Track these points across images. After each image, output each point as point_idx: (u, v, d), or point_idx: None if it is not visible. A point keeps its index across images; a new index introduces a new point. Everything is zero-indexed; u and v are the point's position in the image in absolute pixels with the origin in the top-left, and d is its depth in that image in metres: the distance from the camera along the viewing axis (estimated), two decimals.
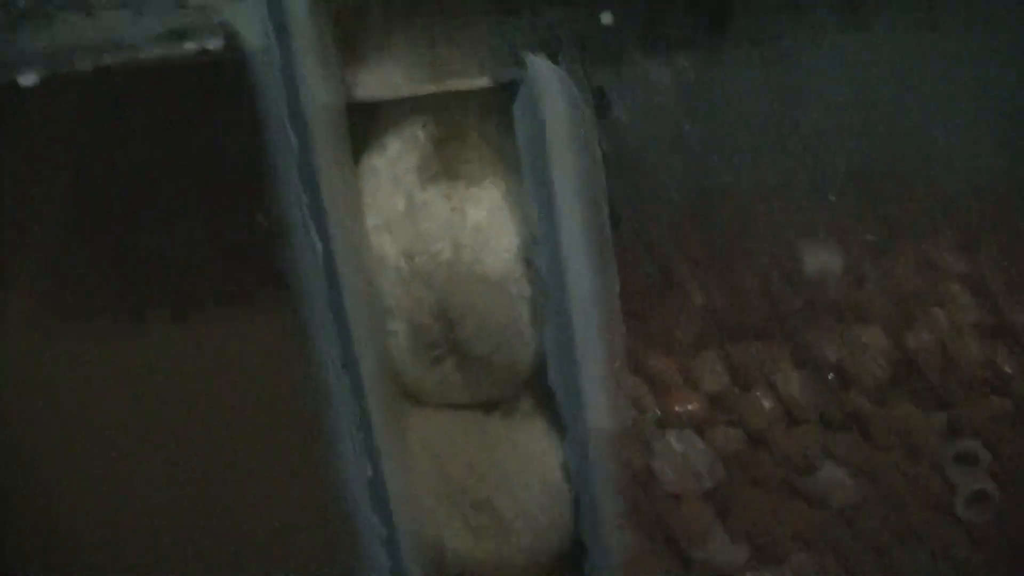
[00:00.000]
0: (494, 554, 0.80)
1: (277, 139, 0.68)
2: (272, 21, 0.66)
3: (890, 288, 0.76)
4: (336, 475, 0.77)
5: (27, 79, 0.67)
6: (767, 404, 0.76)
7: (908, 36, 0.71)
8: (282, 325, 0.75)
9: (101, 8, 0.66)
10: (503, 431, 0.80)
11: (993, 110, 0.73)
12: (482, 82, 0.70)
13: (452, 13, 0.69)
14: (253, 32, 0.66)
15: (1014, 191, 0.74)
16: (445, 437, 0.80)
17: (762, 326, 0.76)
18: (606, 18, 0.68)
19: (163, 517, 0.87)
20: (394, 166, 0.75)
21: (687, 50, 0.69)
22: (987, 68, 0.72)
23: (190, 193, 0.77)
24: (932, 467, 0.77)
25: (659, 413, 0.76)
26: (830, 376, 0.76)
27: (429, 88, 0.70)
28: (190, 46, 0.67)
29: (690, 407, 0.76)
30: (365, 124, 0.76)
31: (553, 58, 0.69)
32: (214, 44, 0.66)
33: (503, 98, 0.72)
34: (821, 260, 0.76)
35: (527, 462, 0.79)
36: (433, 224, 0.74)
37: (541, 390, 0.79)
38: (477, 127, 0.75)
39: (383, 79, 0.71)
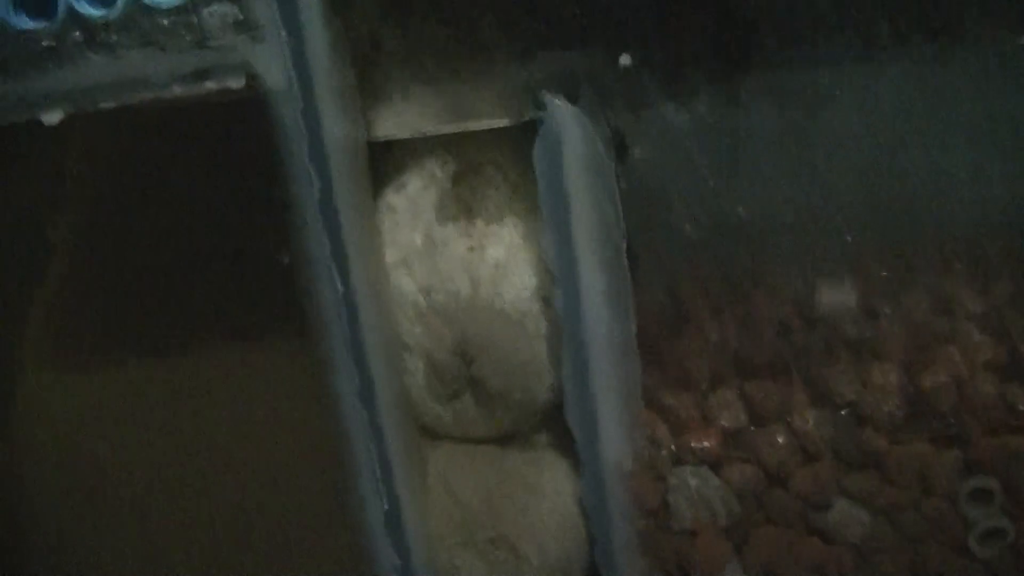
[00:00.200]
0: None
1: (298, 177, 0.68)
2: (293, 61, 0.66)
3: (905, 325, 0.76)
4: (353, 508, 0.76)
5: (51, 117, 0.67)
6: (782, 441, 0.76)
7: (923, 76, 0.70)
8: (301, 360, 0.74)
9: (124, 48, 0.66)
10: (519, 465, 0.80)
11: (1007, 148, 0.73)
12: (501, 122, 0.70)
13: (471, 54, 0.69)
14: (274, 72, 0.66)
15: None
16: (461, 471, 0.80)
17: (778, 363, 0.76)
18: (625, 60, 0.68)
19: (178, 550, 0.87)
20: (413, 203, 0.75)
21: (705, 92, 0.69)
22: (1001, 107, 0.72)
23: (211, 230, 0.77)
24: (947, 504, 0.76)
25: (675, 449, 0.76)
26: (845, 413, 0.76)
27: (448, 128, 0.70)
28: (211, 85, 0.67)
29: (706, 443, 0.76)
30: (383, 161, 0.76)
31: (572, 99, 0.69)
32: (235, 83, 0.66)
33: (521, 137, 0.71)
34: (836, 297, 0.76)
35: (543, 496, 0.79)
36: (451, 261, 0.74)
37: (557, 425, 0.78)
38: (496, 166, 0.75)
39: (403, 119, 0.71)
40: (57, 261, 0.84)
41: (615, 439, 0.75)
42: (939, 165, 0.72)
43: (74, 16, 0.63)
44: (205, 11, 0.64)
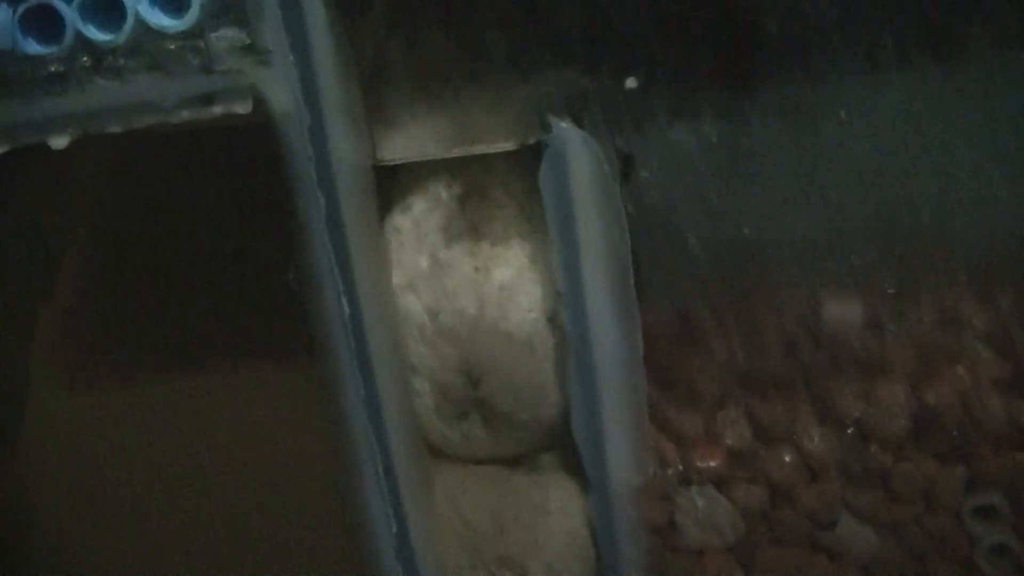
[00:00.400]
0: None
1: (306, 200, 0.68)
2: (301, 85, 0.66)
3: (911, 342, 0.76)
4: (362, 529, 0.76)
5: (58, 141, 0.66)
6: (788, 459, 0.75)
7: (928, 92, 0.70)
8: (309, 382, 0.74)
9: (131, 72, 0.65)
10: (527, 485, 0.79)
11: (1013, 163, 0.73)
12: (507, 146, 0.70)
13: (478, 77, 0.68)
14: (282, 96, 0.66)
15: None
16: (469, 491, 0.79)
17: (784, 381, 0.75)
18: (631, 82, 0.68)
19: (184, 565, 0.87)
20: (418, 225, 0.75)
21: (711, 112, 0.69)
22: (1007, 122, 0.72)
23: (219, 251, 0.77)
24: (953, 520, 0.76)
25: (682, 468, 0.76)
26: (851, 431, 0.75)
27: (455, 151, 0.70)
28: (218, 110, 0.66)
29: (712, 463, 0.75)
30: (390, 183, 0.76)
31: (578, 121, 0.68)
32: (243, 108, 0.66)
33: (527, 158, 0.71)
34: (842, 315, 0.75)
35: (550, 516, 0.78)
36: (458, 282, 0.74)
37: (565, 445, 0.78)
38: (501, 186, 0.75)
39: (409, 142, 0.70)
40: (66, 280, 0.84)
41: (622, 459, 0.74)
42: (945, 181, 0.72)
43: (82, 41, 0.63)
44: (212, 35, 0.64)
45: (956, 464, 0.75)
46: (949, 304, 0.76)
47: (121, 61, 0.64)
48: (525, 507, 0.78)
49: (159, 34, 0.63)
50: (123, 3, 0.61)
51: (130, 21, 0.62)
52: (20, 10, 0.61)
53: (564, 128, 0.68)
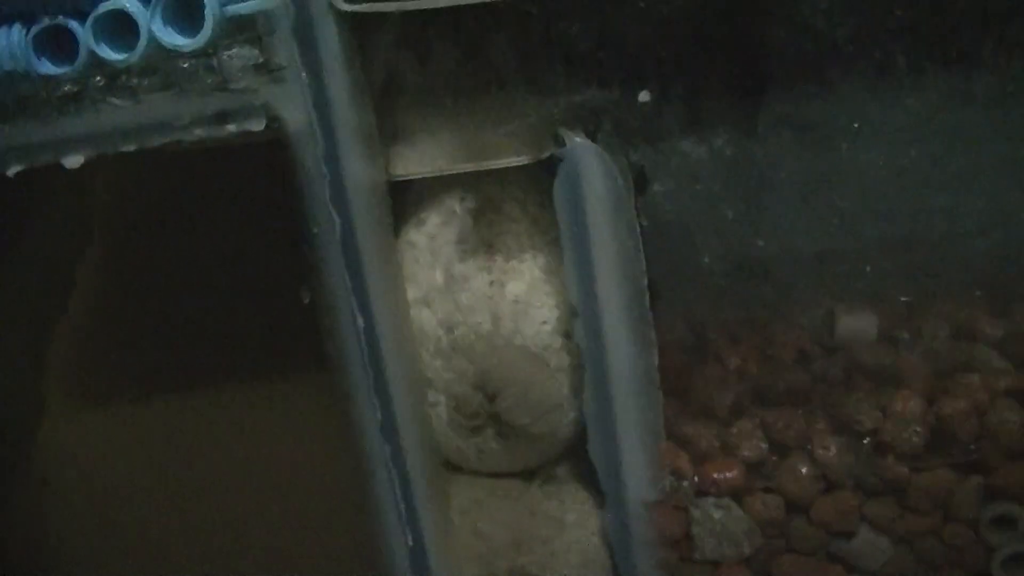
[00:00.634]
0: None
1: (320, 217, 0.67)
2: (314, 103, 0.65)
3: (925, 353, 0.75)
4: (378, 544, 0.75)
5: (72, 161, 0.66)
6: (804, 471, 0.75)
7: (940, 105, 0.70)
8: (324, 398, 0.74)
9: (145, 91, 0.65)
10: (542, 499, 0.79)
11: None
12: (521, 160, 0.69)
13: (490, 92, 0.68)
14: (295, 114, 0.65)
15: None
16: (485, 505, 0.79)
17: (799, 392, 0.75)
18: (643, 96, 0.67)
19: None
20: (432, 240, 0.74)
21: (724, 126, 0.68)
22: (1018, 134, 0.71)
23: (234, 269, 0.76)
24: (969, 530, 0.75)
25: (697, 481, 0.75)
26: (866, 442, 0.74)
27: (468, 166, 0.70)
28: (232, 128, 0.66)
29: (728, 474, 0.75)
30: (403, 198, 0.75)
31: (591, 136, 0.68)
32: (256, 126, 0.65)
33: (541, 172, 0.70)
34: (856, 326, 0.75)
35: (566, 530, 0.78)
36: (472, 297, 0.73)
37: (580, 458, 0.77)
38: (515, 201, 0.74)
39: (423, 157, 0.70)
40: (81, 299, 0.84)
41: (638, 472, 0.73)
42: (957, 192, 0.72)
43: (95, 61, 0.62)
44: (226, 54, 0.63)
45: (973, 474, 0.75)
46: (963, 315, 0.75)
47: (135, 80, 0.64)
48: (541, 521, 0.78)
49: (172, 53, 0.62)
50: (136, 22, 0.61)
51: (143, 40, 0.61)
52: (33, 31, 0.61)
53: (578, 142, 0.67)
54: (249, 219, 0.76)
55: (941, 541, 0.76)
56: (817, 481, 0.75)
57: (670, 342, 0.72)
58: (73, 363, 0.83)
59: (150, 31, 0.61)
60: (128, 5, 0.60)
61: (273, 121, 0.65)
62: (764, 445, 0.75)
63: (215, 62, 0.63)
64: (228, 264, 0.78)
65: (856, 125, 0.69)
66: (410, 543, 0.75)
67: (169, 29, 0.61)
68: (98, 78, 0.64)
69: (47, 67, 0.62)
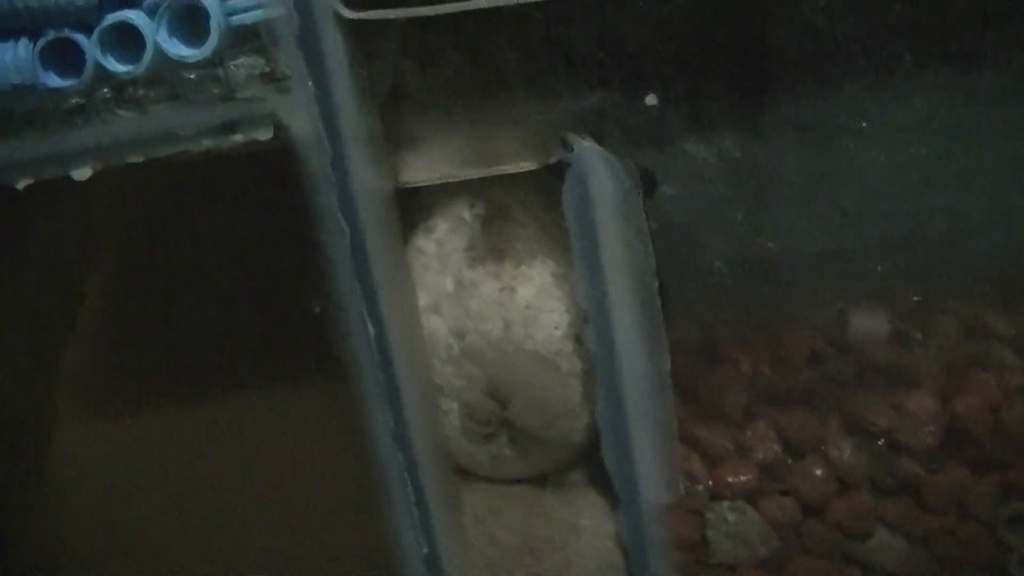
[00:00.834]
0: None
1: (329, 225, 0.67)
2: (320, 111, 0.64)
3: (937, 351, 0.74)
4: (392, 551, 0.75)
5: (81, 173, 0.65)
6: (819, 472, 0.74)
7: (945, 104, 0.69)
8: (336, 406, 0.73)
9: (151, 102, 0.64)
10: (556, 504, 0.78)
11: None
12: (529, 165, 0.68)
13: (497, 99, 0.67)
14: (302, 122, 0.65)
15: None
16: (498, 511, 0.78)
17: (811, 394, 0.74)
18: (650, 99, 0.67)
19: None
20: (442, 247, 0.74)
21: (731, 128, 0.68)
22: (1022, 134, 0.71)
23: (243, 278, 0.76)
24: (985, 529, 0.74)
25: (711, 484, 0.74)
26: (880, 442, 0.74)
27: (476, 172, 0.69)
28: (239, 138, 0.65)
29: (742, 477, 0.74)
30: (412, 205, 0.74)
31: (599, 139, 0.67)
32: (263, 135, 0.65)
33: (549, 177, 0.70)
34: (867, 326, 0.74)
35: (580, 535, 0.77)
36: (482, 303, 0.73)
37: (593, 463, 0.76)
38: (523, 207, 0.74)
39: (430, 164, 0.69)
40: (90, 309, 0.83)
41: (652, 475, 0.73)
42: (965, 190, 0.71)
43: (102, 73, 0.62)
44: (232, 64, 0.63)
45: (988, 473, 0.74)
46: (974, 312, 0.74)
47: (141, 92, 0.63)
48: (555, 526, 0.77)
49: (178, 64, 0.62)
50: (142, 34, 0.60)
51: (149, 52, 0.61)
52: (40, 44, 0.60)
53: (585, 146, 0.66)
54: (257, 228, 0.75)
55: (957, 541, 0.75)
56: (832, 482, 0.74)
57: (681, 344, 0.71)
58: (83, 373, 0.82)
59: (156, 43, 0.60)
60: (134, 17, 0.60)
61: (280, 130, 0.64)
62: (778, 447, 0.74)
63: (221, 72, 0.63)
64: (237, 273, 0.77)
65: (862, 124, 0.69)
66: (424, 550, 0.74)
67: (174, 40, 0.61)
68: (105, 90, 0.63)
69: (54, 80, 0.61)
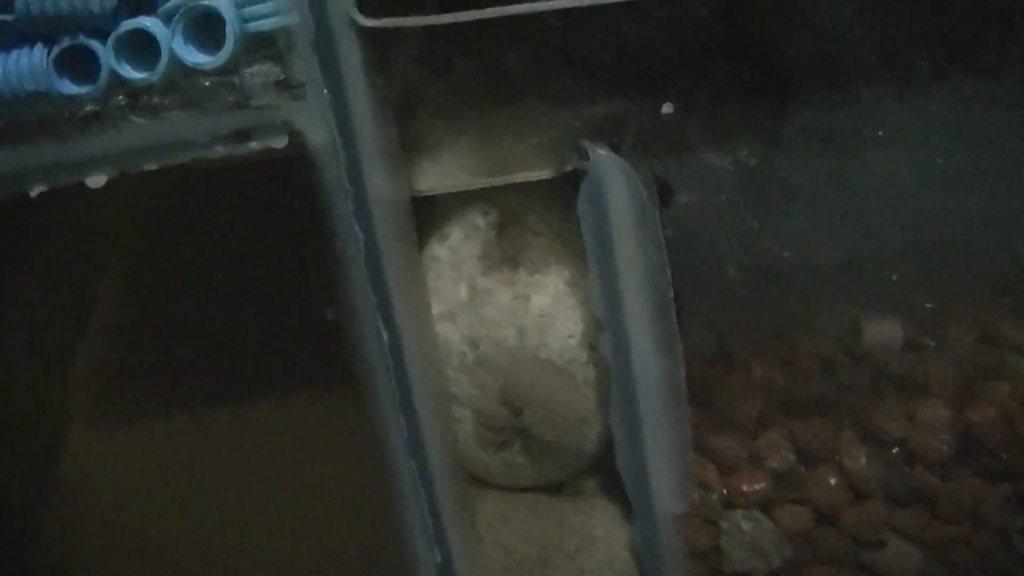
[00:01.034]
0: None
1: (343, 233, 0.66)
2: (336, 119, 0.64)
3: (952, 360, 0.73)
4: (405, 560, 0.74)
5: (95, 181, 0.65)
6: (833, 481, 0.73)
7: (964, 112, 0.68)
8: (350, 413, 0.72)
9: (166, 110, 0.64)
10: (569, 513, 0.77)
11: None
12: (544, 173, 0.68)
13: (512, 107, 0.67)
14: (317, 130, 0.64)
15: None
16: (511, 520, 0.78)
17: (825, 402, 0.73)
18: (667, 108, 0.66)
19: None
20: (456, 255, 0.73)
21: (747, 136, 0.67)
22: None
23: (258, 286, 0.75)
24: (999, 539, 0.74)
25: (725, 492, 0.73)
26: (894, 451, 0.73)
27: (492, 181, 0.68)
28: (254, 145, 0.64)
29: (756, 486, 0.73)
30: (426, 212, 0.74)
31: (615, 148, 0.66)
32: (278, 143, 0.64)
33: (563, 185, 0.69)
34: (882, 334, 0.73)
35: (594, 544, 0.77)
36: (496, 311, 0.72)
37: (607, 472, 0.76)
38: (538, 214, 0.73)
39: (445, 173, 0.69)
40: (104, 317, 0.83)
41: (666, 484, 0.72)
42: (982, 198, 0.70)
43: (117, 80, 0.61)
44: (247, 71, 0.62)
45: (1002, 482, 0.73)
46: (989, 321, 0.74)
47: (156, 99, 0.63)
48: (569, 535, 0.76)
49: (194, 71, 0.61)
50: (157, 41, 0.60)
51: (164, 59, 0.60)
52: (55, 51, 0.60)
53: (601, 155, 0.66)
54: (272, 235, 0.75)
55: (972, 550, 0.74)
56: (846, 491, 0.73)
57: (695, 353, 0.71)
58: (96, 382, 0.82)
59: (171, 50, 0.60)
60: (149, 24, 0.59)
61: (295, 137, 0.64)
62: (792, 456, 0.73)
63: (236, 79, 0.62)
64: (250, 280, 0.77)
65: (880, 133, 0.68)
66: (437, 559, 0.73)
67: (190, 47, 0.60)
68: (120, 97, 0.63)
69: (69, 87, 0.61)
